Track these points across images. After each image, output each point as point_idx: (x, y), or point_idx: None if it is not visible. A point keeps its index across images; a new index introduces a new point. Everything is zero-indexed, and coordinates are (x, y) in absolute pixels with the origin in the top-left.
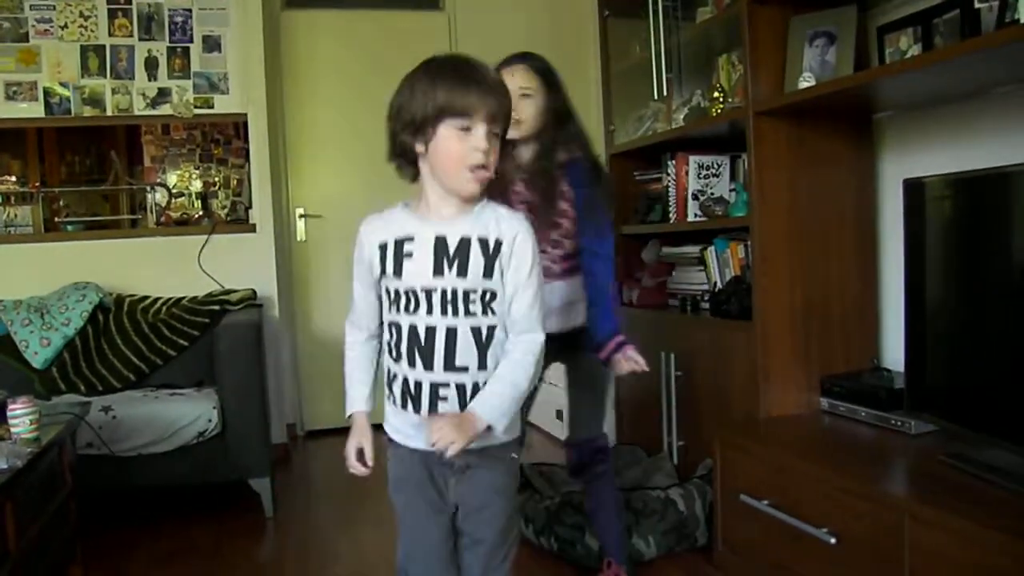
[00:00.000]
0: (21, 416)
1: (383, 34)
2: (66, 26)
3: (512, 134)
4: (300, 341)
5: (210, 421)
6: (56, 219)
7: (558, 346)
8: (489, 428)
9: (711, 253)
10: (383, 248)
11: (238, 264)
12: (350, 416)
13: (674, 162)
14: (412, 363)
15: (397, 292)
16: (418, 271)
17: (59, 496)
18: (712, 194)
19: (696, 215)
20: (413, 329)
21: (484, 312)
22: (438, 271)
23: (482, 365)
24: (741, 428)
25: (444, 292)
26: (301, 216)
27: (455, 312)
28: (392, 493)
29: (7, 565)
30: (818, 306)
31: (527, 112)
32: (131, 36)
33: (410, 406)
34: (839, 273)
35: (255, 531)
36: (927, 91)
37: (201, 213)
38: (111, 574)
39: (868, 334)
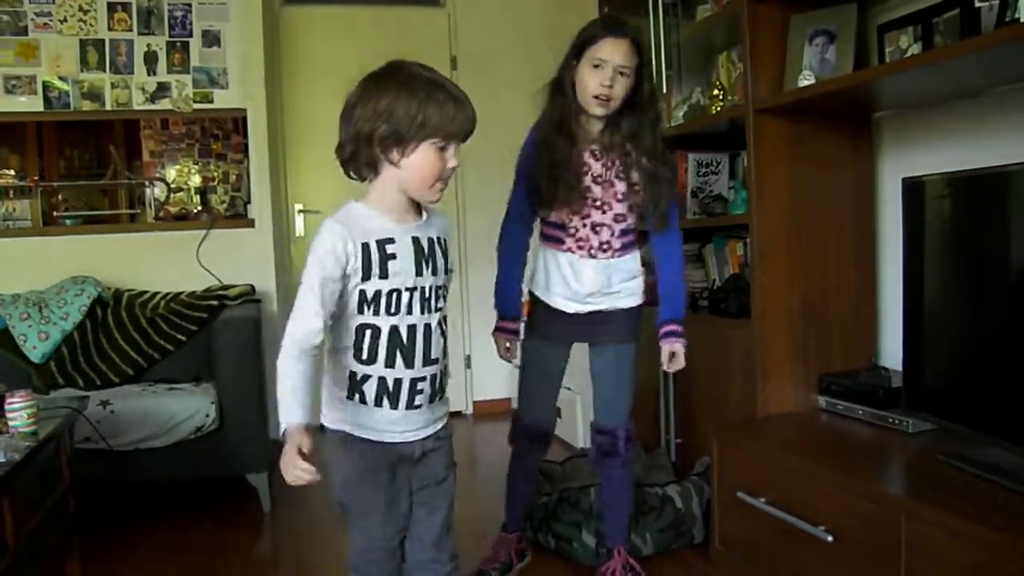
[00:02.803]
0: (19, 410)
1: (383, 30)
2: (65, 20)
3: (598, 111)
4: None
5: (208, 416)
6: (55, 213)
7: (594, 330)
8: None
9: (710, 251)
10: (366, 248)
11: (237, 259)
12: (285, 431)
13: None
14: (391, 363)
15: (377, 293)
16: (403, 271)
17: (57, 490)
18: (711, 192)
19: (695, 213)
20: (395, 330)
21: (444, 305)
22: (419, 271)
23: (445, 354)
24: (739, 426)
25: (423, 290)
26: (300, 212)
27: (429, 309)
28: (344, 491)
29: (5, 559)
30: (816, 304)
31: (620, 90)
32: (130, 30)
33: (386, 403)
34: (838, 271)
35: (252, 526)
36: (927, 90)
37: (200, 208)
38: (109, 568)
39: (866, 332)
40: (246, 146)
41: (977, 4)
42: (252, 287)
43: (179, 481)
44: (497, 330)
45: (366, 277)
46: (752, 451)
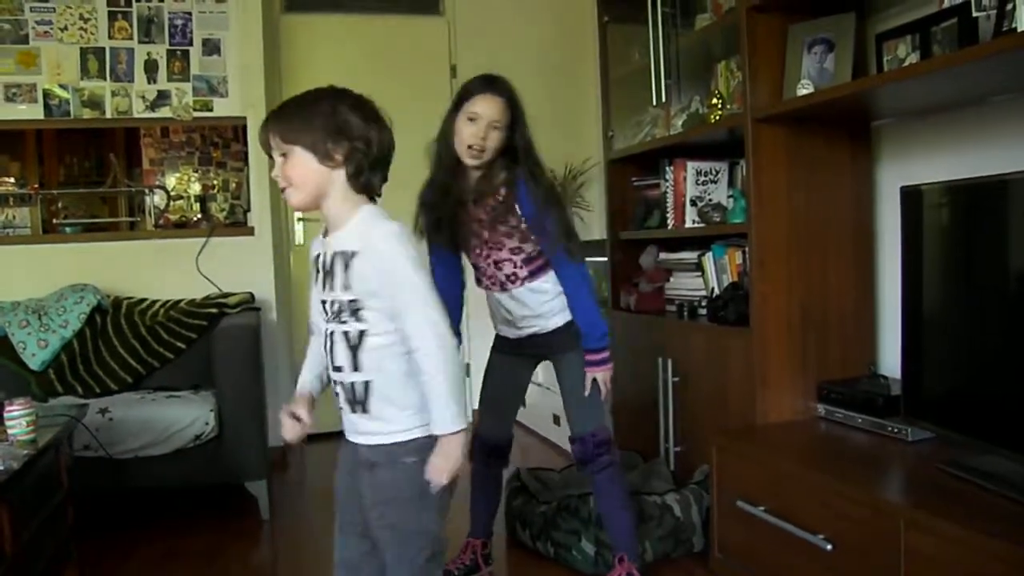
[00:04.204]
0: (18, 418)
1: (383, 39)
2: (66, 28)
3: (471, 161)
4: (297, 344)
5: (207, 424)
6: (54, 221)
7: (544, 347)
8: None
9: (709, 259)
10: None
11: (236, 267)
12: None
13: (672, 168)
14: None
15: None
16: (319, 284)
17: (55, 498)
18: (710, 200)
19: (694, 221)
20: (326, 332)
21: (352, 318)
22: (323, 285)
23: (355, 367)
24: (738, 434)
25: (324, 303)
26: (299, 220)
27: (333, 319)
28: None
29: (2, 567)
30: (815, 312)
31: (492, 143)
32: (131, 39)
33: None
34: (836, 279)
35: (251, 534)
36: (925, 99)
37: (200, 216)
38: None
39: (865, 341)
40: (246, 154)
41: (975, 13)
42: (251, 295)
43: (178, 489)
44: None
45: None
46: (751, 459)
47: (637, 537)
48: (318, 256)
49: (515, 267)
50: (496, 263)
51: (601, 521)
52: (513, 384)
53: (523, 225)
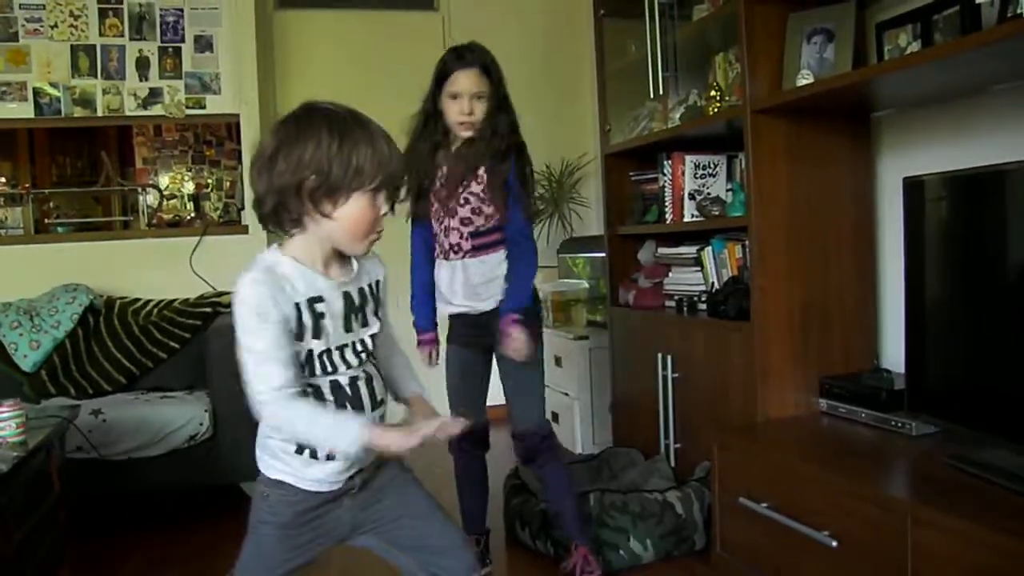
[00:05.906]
0: (7, 419)
1: (377, 34)
2: (56, 26)
3: (466, 133)
4: None
5: (201, 424)
6: (47, 221)
7: (479, 329)
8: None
9: (708, 253)
10: (299, 308)
11: (230, 266)
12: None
13: (670, 162)
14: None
15: (310, 354)
16: (334, 330)
17: (47, 501)
18: (709, 194)
19: (693, 215)
20: (336, 385)
21: (375, 346)
22: (348, 327)
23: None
24: (739, 430)
25: (354, 344)
26: None
27: (366, 359)
28: (257, 527)
29: None
30: (817, 306)
31: (480, 113)
32: (122, 36)
33: (322, 455)
34: (838, 273)
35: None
36: (926, 89)
37: (193, 215)
38: None
39: (867, 334)
40: (239, 152)
41: (977, 1)
42: None
43: (172, 490)
44: (418, 344)
45: (299, 338)
46: (753, 455)
47: (585, 519)
48: (315, 299)
49: (460, 237)
50: (447, 230)
51: (554, 519)
52: (473, 372)
53: (483, 195)
